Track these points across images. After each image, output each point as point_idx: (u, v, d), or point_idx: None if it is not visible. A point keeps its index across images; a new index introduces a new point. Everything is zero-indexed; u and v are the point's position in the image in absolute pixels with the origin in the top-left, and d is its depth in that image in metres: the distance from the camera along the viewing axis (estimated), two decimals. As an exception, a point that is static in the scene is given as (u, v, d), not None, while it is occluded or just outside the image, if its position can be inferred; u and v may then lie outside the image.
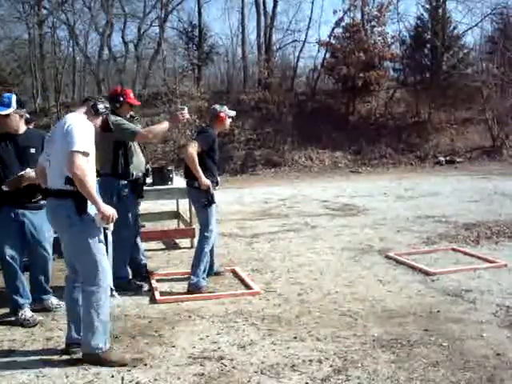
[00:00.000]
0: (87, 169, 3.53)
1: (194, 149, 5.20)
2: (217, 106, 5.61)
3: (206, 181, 5.21)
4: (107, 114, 4.03)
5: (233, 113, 5.66)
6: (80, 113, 3.82)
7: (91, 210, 3.62)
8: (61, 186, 3.61)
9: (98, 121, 3.93)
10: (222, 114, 5.48)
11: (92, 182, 3.57)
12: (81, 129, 3.59)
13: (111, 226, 3.75)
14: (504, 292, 5.02)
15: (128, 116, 5.52)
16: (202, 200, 5.32)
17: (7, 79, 22.21)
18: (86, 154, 3.55)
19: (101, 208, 3.58)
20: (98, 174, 5.58)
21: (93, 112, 3.84)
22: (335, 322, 4.42)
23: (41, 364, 3.74)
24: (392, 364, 3.60)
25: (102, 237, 3.73)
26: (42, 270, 4.76)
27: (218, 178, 5.57)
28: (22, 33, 24.35)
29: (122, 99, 5.34)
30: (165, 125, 5.33)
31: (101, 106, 3.87)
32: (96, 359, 3.69)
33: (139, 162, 5.44)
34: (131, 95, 5.50)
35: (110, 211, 3.64)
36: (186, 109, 5.30)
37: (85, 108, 3.85)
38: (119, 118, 5.28)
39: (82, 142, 3.53)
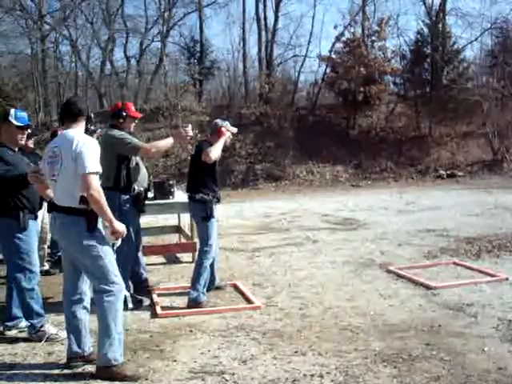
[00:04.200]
0: (101, 188, 3.63)
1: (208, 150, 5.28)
2: (218, 121, 5.63)
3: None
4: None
5: (234, 129, 5.68)
6: (81, 128, 3.86)
7: (100, 226, 3.73)
8: (73, 205, 3.65)
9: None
10: (222, 129, 5.50)
11: (105, 200, 3.65)
12: (90, 149, 3.65)
13: (119, 242, 3.83)
14: (505, 306, 5.02)
15: (132, 129, 5.56)
16: (201, 213, 5.33)
17: (10, 94, 22.31)
18: (98, 174, 3.64)
19: (114, 225, 3.69)
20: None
21: (87, 122, 3.96)
22: (336, 336, 4.42)
23: (42, 378, 3.74)
24: (393, 379, 3.59)
25: (112, 252, 3.80)
26: None
27: (219, 194, 5.58)
28: (24, 48, 24.56)
29: (125, 114, 5.38)
30: (168, 140, 5.37)
31: (92, 116, 4.03)
32: (111, 373, 3.67)
33: (142, 177, 5.46)
34: (133, 108, 5.55)
35: (122, 228, 3.74)
36: (190, 126, 5.33)
37: (83, 122, 3.90)
38: (122, 132, 5.31)
39: (93, 162, 3.61)
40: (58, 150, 3.74)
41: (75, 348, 3.87)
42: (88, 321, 3.97)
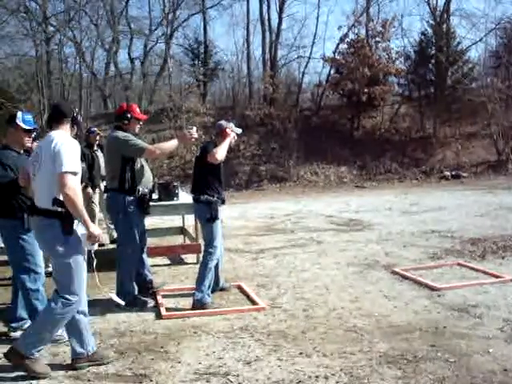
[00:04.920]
0: (77, 189, 3.61)
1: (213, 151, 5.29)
2: (223, 122, 5.64)
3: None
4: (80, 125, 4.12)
5: (239, 130, 5.68)
6: (64, 131, 3.87)
7: (77, 230, 3.71)
8: (48, 207, 3.67)
9: (74, 131, 4.05)
10: (227, 130, 5.51)
11: (81, 202, 3.63)
12: (69, 149, 3.66)
13: (95, 247, 3.84)
14: (510, 307, 5.00)
15: (137, 131, 5.57)
16: (206, 215, 5.34)
17: (14, 96, 22.37)
18: (75, 174, 3.63)
19: (90, 228, 3.66)
20: (106, 190, 5.66)
21: (74, 125, 3.98)
22: (341, 337, 4.41)
23: (47, 380, 3.73)
24: (398, 380, 3.58)
25: (85, 257, 3.80)
26: None
27: (224, 195, 5.58)
28: (29, 50, 24.64)
29: (129, 116, 5.40)
30: (173, 142, 5.39)
31: (79, 119, 4.02)
32: (22, 363, 3.73)
33: (147, 179, 5.47)
34: (137, 110, 5.56)
35: (98, 232, 3.72)
36: (195, 128, 5.34)
37: (67, 125, 3.92)
38: (127, 134, 5.32)
39: (71, 162, 3.61)
40: (40, 149, 3.79)
41: (78, 349, 3.89)
42: (88, 321, 4.00)
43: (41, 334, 3.75)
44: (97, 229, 3.74)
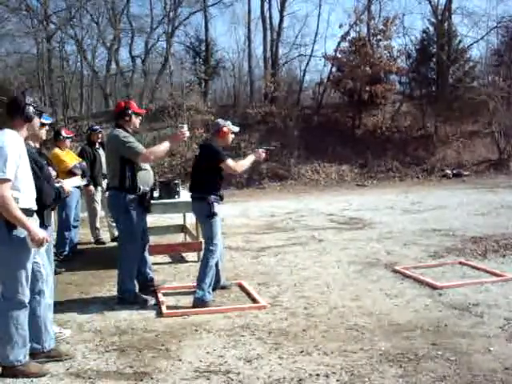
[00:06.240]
0: (5, 196, 3.45)
1: (231, 163, 5.43)
2: (220, 121, 5.65)
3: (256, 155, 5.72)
4: (40, 112, 3.82)
5: (236, 128, 5.68)
6: (14, 129, 3.70)
7: (23, 232, 3.60)
8: None
9: (35, 123, 3.85)
10: (224, 129, 5.51)
11: (13, 207, 3.48)
12: (3, 152, 3.51)
13: (43, 249, 3.79)
14: (511, 306, 5.01)
15: (138, 126, 5.58)
16: (205, 212, 5.34)
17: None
18: (4, 181, 3.48)
19: (31, 232, 3.56)
20: (107, 188, 5.67)
21: (24, 120, 3.73)
22: (342, 336, 4.41)
23: (47, 377, 3.75)
24: (399, 378, 3.58)
25: (29, 262, 3.72)
26: None
27: (222, 192, 5.55)
28: (30, 47, 24.58)
29: (130, 111, 5.41)
30: (165, 144, 5.36)
31: (30, 111, 3.74)
32: (16, 372, 3.71)
33: (148, 177, 5.47)
34: (135, 105, 5.59)
35: (41, 235, 3.61)
36: (186, 126, 5.34)
37: (17, 122, 3.72)
38: (127, 134, 5.33)
39: (1, 168, 3.47)
40: None
41: (34, 344, 3.90)
42: (47, 318, 4.01)
43: (9, 339, 3.68)
44: (39, 232, 3.62)
